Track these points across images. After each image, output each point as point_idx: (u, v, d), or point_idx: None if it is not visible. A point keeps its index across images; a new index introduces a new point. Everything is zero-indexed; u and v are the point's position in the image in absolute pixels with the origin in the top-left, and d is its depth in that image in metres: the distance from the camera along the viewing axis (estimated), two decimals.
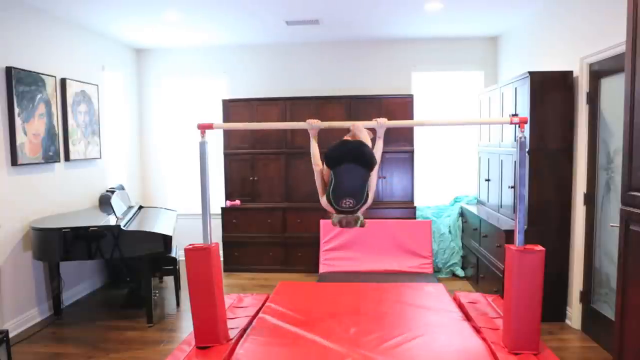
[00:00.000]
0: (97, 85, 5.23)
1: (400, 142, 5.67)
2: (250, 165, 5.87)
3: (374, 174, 2.73)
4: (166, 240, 4.14)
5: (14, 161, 3.98)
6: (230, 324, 3.05)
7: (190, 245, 2.86)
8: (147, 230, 4.17)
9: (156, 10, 4.49)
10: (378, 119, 2.81)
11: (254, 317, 3.31)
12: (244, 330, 3.07)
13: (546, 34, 4.44)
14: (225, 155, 5.87)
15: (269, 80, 6.12)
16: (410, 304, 3.49)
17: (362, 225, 2.72)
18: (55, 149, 4.53)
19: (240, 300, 3.69)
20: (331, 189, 2.65)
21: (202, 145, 2.86)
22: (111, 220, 4.25)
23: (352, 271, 4.97)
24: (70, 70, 4.79)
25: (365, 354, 2.66)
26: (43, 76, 4.34)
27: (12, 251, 3.99)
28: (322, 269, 5.12)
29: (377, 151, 2.79)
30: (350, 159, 2.63)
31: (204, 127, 2.86)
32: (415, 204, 5.75)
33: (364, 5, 4.47)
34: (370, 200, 2.73)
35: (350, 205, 2.63)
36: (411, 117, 5.54)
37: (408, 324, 3.15)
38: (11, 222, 3.99)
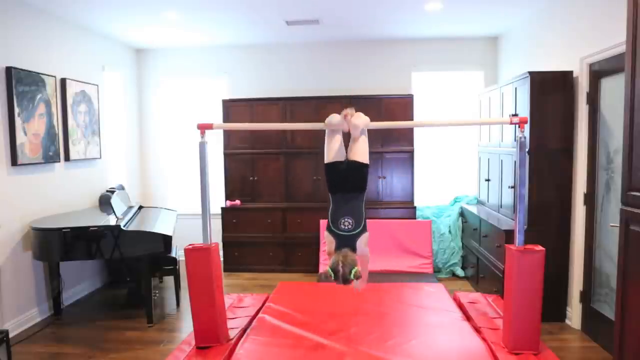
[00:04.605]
0: (97, 85, 5.23)
1: (400, 142, 5.67)
2: (250, 165, 5.87)
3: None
4: (166, 240, 4.14)
5: (14, 161, 3.98)
6: (230, 324, 3.05)
7: (190, 245, 2.86)
8: (147, 230, 4.17)
9: (156, 10, 4.49)
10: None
11: (254, 317, 3.31)
12: (244, 330, 3.07)
13: (546, 34, 4.44)
14: (225, 155, 5.87)
15: (269, 80, 6.12)
16: (410, 304, 3.49)
17: (357, 277, 2.59)
18: (55, 149, 4.53)
19: (240, 300, 3.69)
20: (330, 213, 2.77)
21: (202, 146, 2.86)
22: (111, 220, 4.25)
23: None
24: (70, 70, 4.79)
25: (365, 354, 2.66)
26: (43, 76, 4.34)
27: (12, 251, 3.99)
28: (322, 269, 5.12)
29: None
30: (345, 189, 2.76)
31: (203, 127, 2.86)
32: (415, 204, 5.75)
33: (364, 5, 4.47)
34: (365, 226, 2.76)
35: (349, 225, 2.70)
36: (411, 117, 5.54)
37: (408, 323, 3.14)
38: (11, 222, 3.99)
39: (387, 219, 5.43)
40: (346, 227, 2.69)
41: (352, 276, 2.57)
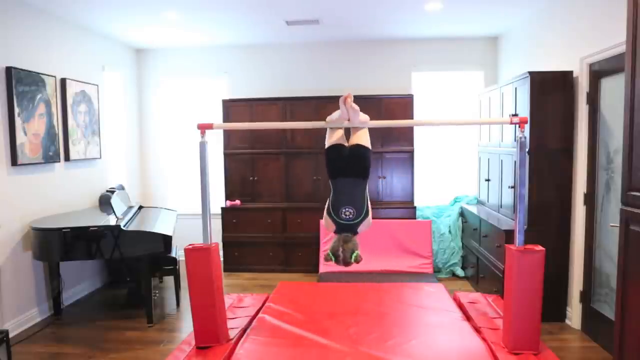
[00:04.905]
0: (97, 85, 5.23)
1: (400, 142, 5.67)
2: (250, 165, 5.87)
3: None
4: (166, 240, 4.14)
5: (14, 161, 3.98)
6: (230, 324, 3.04)
7: (190, 245, 2.86)
8: (147, 230, 4.17)
9: (156, 10, 4.49)
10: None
11: (254, 317, 3.31)
12: (244, 330, 3.06)
13: (546, 34, 4.44)
14: (225, 155, 5.87)
15: (269, 80, 6.12)
16: (410, 304, 3.49)
17: (357, 261, 2.61)
18: (55, 149, 4.53)
19: (240, 300, 3.68)
20: (330, 201, 2.70)
21: (202, 145, 2.85)
22: (111, 220, 4.25)
23: (352, 271, 4.93)
24: (70, 70, 4.79)
25: (365, 354, 2.66)
26: (43, 76, 4.34)
27: (12, 251, 3.99)
28: (322, 269, 5.12)
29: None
30: (347, 173, 2.68)
31: (204, 127, 2.85)
32: (415, 204, 5.75)
33: (364, 5, 4.47)
34: (369, 208, 2.71)
35: (350, 215, 2.64)
36: (411, 117, 5.54)
37: (408, 324, 3.14)
38: (11, 222, 3.99)
39: (387, 219, 5.43)
40: (347, 217, 2.64)
41: (352, 260, 2.61)
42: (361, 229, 2.71)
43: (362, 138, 2.75)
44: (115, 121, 5.80)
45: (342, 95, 2.66)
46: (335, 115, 2.79)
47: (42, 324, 4.19)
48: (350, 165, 2.68)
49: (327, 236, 5.29)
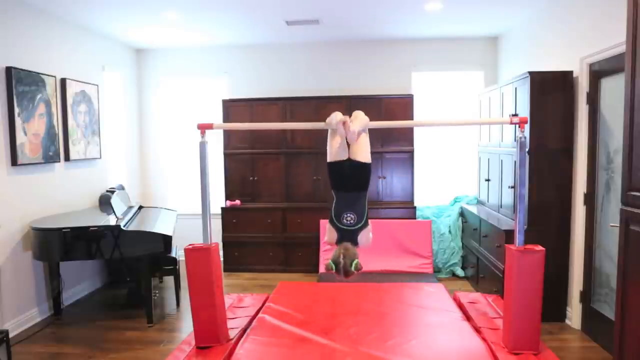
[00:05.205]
0: (97, 85, 5.23)
1: (400, 142, 5.67)
2: (250, 165, 5.87)
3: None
4: (166, 240, 4.14)
5: (14, 161, 3.98)
6: (230, 324, 3.04)
7: (190, 245, 2.86)
8: (147, 230, 4.17)
9: (156, 10, 4.49)
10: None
11: (254, 317, 3.31)
12: (244, 330, 3.07)
13: (546, 34, 4.44)
14: (225, 155, 5.87)
15: (269, 80, 6.12)
16: (410, 304, 3.49)
17: (357, 269, 2.67)
18: (55, 149, 4.53)
19: (240, 300, 3.69)
20: (332, 208, 2.81)
21: (202, 145, 2.86)
22: (111, 220, 4.25)
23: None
24: (70, 70, 4.79)
25: (365, 354, 2.66)
26: (43, 76, 4.34)
27: (12, 251, 3.99)
28: (322, 269, 5.12)
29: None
30: (348, 188, 2.79)
31: (204, 127, 2.86)
32: (415, 204, 5.75)
33: (364, 5, 4.47)
34: (367, 220, 2.81)
35: (351, 220, 2.75)
36: (411, 117, 5.54)
37: (408, 324, 3.14)
38: (11, 222, 3.99)
39: (387, 219, 5.43)
40: (348, 222, 2.75)
41: (353, 268, 2.66)
42: (361, 239, 2.79)
43: (361, 150, 2.78)
44: (115, 121, 5.80)
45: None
46: (333, 120, 2.75)
47: (42, 324, 4.19)
48: (352, 182, 2.79)
49: None
